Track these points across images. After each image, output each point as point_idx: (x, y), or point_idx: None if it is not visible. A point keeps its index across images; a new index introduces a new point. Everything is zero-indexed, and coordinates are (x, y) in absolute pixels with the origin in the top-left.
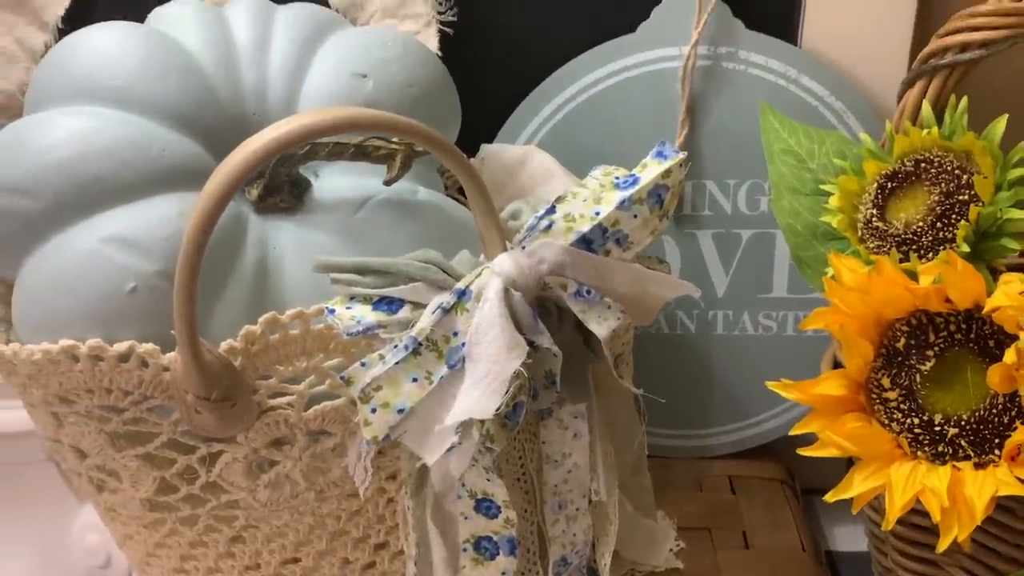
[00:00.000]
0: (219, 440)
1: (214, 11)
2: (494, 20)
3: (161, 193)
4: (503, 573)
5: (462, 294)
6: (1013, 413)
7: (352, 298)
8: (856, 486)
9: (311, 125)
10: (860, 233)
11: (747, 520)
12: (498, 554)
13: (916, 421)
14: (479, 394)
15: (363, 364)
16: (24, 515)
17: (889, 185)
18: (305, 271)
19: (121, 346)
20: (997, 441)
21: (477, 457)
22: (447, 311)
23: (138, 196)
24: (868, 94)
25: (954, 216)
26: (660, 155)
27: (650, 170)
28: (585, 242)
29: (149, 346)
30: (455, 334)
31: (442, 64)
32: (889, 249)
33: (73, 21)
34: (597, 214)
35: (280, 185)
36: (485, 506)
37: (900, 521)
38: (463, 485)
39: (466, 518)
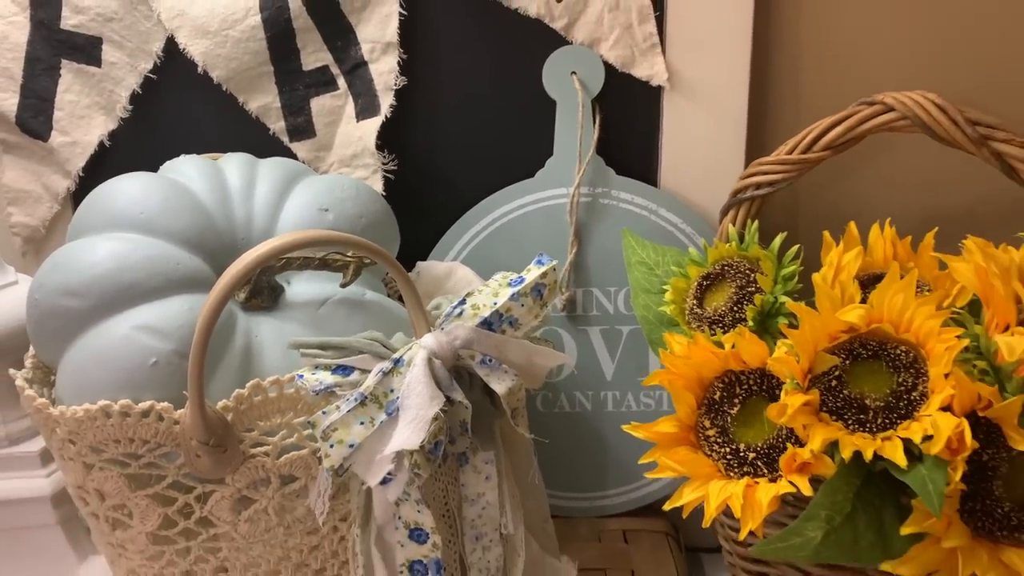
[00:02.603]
0: (211, 481)
1: (212, 164)
2: (426, 168)
3: (176, 295)
4: None
5: (397, 362)
6: (792, 440)
7: (316, 367)
8: (685, 496)
9: (288, 243)
10: (686, 318)
11: (635, 562)
12: (427, 574)
13: (728, 450)
14: (408, 432)
15: (324, 413)
16: (30, 572)
17: (704, 283)
18: (279, 353)
19: (144, 405)
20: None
21: (409, 491)
22: (386, 374)
23: (159, 297)
24: (710, 220)
25: (746, 303)
26: (539, 262)
27: (532, 273)
28: (487, 324)
29: (165, 404)
30: (392, 391)
31: (386, 201)
32: (704, 328)
33: (91, 170)
34: (495, 304)
35: (262, 290)
36: (417, 534)
37: (738, 543)
38: (399, 518)
39: (402, 545)
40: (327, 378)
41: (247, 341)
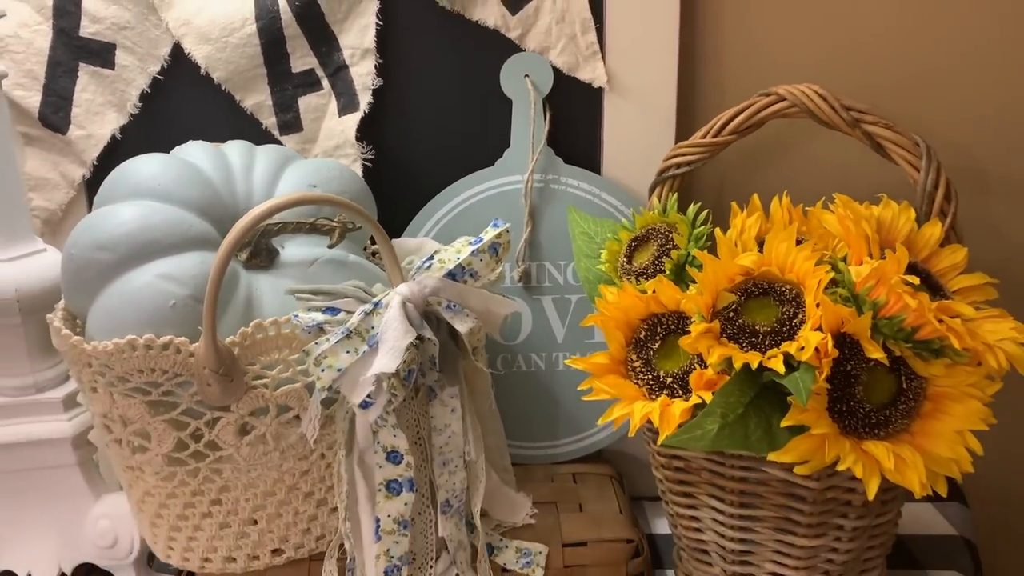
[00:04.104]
0: (219, 409)
1: (216, 147)
2: (399, 158)
3: (190, 251)
4: (405, 504)
5: (377, 304)
6: (702, 366)
7: (309, 308)
8: (615, 413)
9: (284, 202)
10: (618, 273)
11: (582, 496)
12: (402, 491)
13: (650, 377)
14: (387, 359)
15: (316, 344)
16: (51, 507)
17: (633, 244)
18: (276, 304)
19: (165, 339)
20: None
21: (387, 417)
22: (368, 314)
23: (176, 252)
24: (646, 202)
25: (665, 258)
26: (495, 225)
27: (489, 234)
28: (451, 275)
29: (183, 339)
30: (372, 327)
31: (365, 183)
32: (632, 279)
33: (104, 160)
34: (458, 259)
35: (260, 251)
36: (393, 456)
37: (666, 467)
38: (378, 442)
39: (380, 467)
40: (318, 316)
41: (249, 293)
